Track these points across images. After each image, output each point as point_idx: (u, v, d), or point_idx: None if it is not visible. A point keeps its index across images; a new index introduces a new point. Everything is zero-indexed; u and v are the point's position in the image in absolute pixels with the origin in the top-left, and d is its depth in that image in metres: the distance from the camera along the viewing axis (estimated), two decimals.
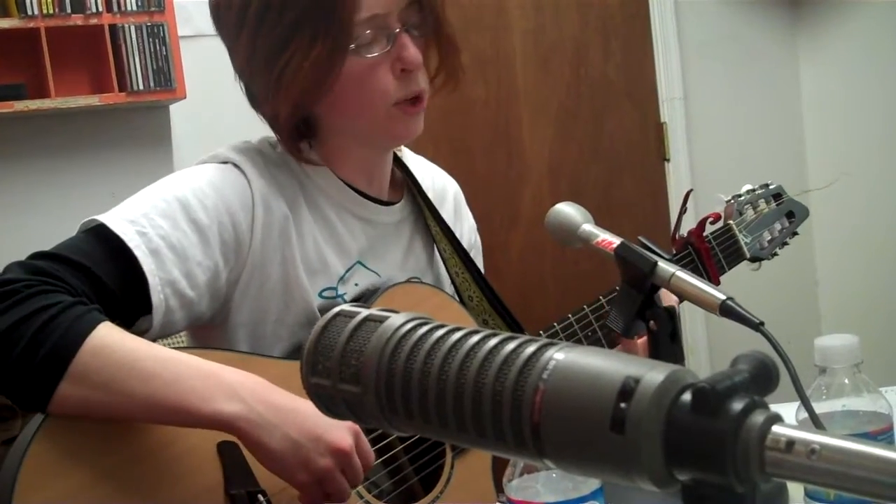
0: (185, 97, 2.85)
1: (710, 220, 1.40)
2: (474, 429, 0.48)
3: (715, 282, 1.36)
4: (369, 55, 1.13)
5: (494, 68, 3.33)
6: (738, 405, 0.43)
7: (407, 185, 1.34)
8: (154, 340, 1.07)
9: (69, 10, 2.68)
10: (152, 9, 2.78)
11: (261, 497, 1.02)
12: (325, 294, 1.20)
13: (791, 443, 0.41)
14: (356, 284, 1.23)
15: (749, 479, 0.42)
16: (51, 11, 2.65)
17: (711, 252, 1.37)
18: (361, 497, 1.12)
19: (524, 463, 0.85)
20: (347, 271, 1.22)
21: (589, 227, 1.02)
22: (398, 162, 1.34)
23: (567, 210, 1.05)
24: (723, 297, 0.90)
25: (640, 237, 0.99)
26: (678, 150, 3.55)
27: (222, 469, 1.02)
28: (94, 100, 2.74)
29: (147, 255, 1.06)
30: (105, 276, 1.04)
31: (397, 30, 1.14)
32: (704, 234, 1.38)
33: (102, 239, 1.06)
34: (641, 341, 1.18)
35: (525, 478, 0.85)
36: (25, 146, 2.86)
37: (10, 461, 0.95)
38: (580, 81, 3.44)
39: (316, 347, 0.54)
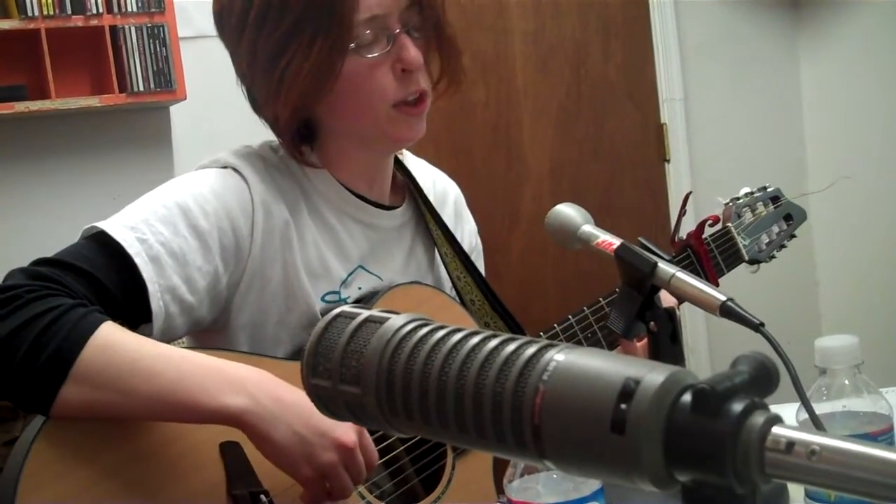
0: (185, 98, 2.85)
1: (709, 222, 1.41)
2: (475, 430, 0.48)
3: (713, 284, 1.37)
4: (369, 55, 1.14)
5: (495, 69, 3.33)
6: (738, 406, 0.43)
7: (408, 188, 1.34)
8: None
9: (69, 11, 2.68)
10: (153, 10, 2.78)
11: (263, 497, 1.02)
12: (327, 298, 1.20)
13: (791, 444, 0.41)
14: (359, 288, 1.24)
15: (749, 480, 0.42)
16: (51, 12, 2.65)
17: (710, 254, 1.37)
18: (363, 498, 1.13)
19: (525, 464, 0.85)
20: (349, 275, 1.23)
21: (589, 228, 1.02)
22: (399, 165, 1.35)
23: (567, 211, 1.05)
24: (723, 298, 0.90)
25: (640, 238, 0.99)
26: (678, 151, 3.55)
27: (224, 469, 1.03)
28: (94, 101, 2.74)
29: (147, 262, 1.06)
30: (107, 281, 1.05)
31: (397, 31, 1.14)
32: (703, 236, 1.38)
33: (103, 245, 1.07)
34: (641, 343, 1.18)
35: (526, 478, 0.85)
36: (26, 147, 2.86)
37: (12, 462, 0.95)
38: (580, 82, 3.44)
39: (316, 349, 0.54)
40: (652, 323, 0.92)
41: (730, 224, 1.41)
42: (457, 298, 1.32)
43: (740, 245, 1.41)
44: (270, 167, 1.20)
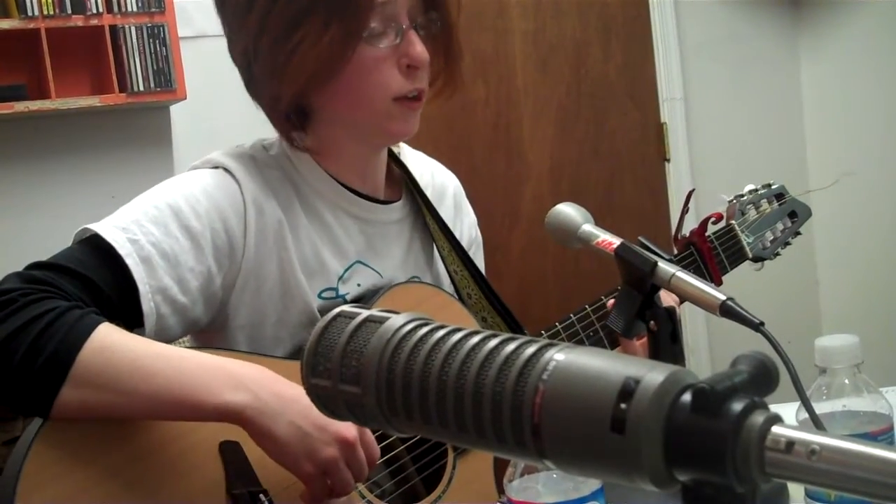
0: (185, 98, 2.85)
1: (713, 220, 1.40)
2: (474, 429, 0.48)
3: (717, 282, 1.36)
4: (380, 45, 1.14)
5: (495, 69, 3.33)
6: (738, 406, 0.43)
7: (405, 183, 1.34)
8: None
9: (69, 11, 2.68)
10: (153, 9, 2.78)
11: (262, 497, 1.02)
12: (324, 295, 1.20)
13: (791, 443, 0.41)
14: (358, 284, 1.23)
15: (749, 479, 0.42)
16: (51, 12, 2.65)
17: (714, 252, 1.37)
18: (364, 497, 1.12)
19: (525, 463, 0.85)
20: (346, 271, 1.23)
21: (589, 228, 1.02)
22: (396, 160, 1.34)
23: (567, 210, 1.05)
24: (723, 297, 0.90)
25: (640, 237, 0.99)
26: (678, 151, 3.55)
27: (224, 469, 1.03)
28: (94, 101, 2.74)
29: (138, 262, 1.06)
30: (101, 283, 1.05)
31: (405, 25, 1.15)
32: (707, 234, 1.38)
33: (96, 247, 1.07)
34: (641, 342, 1.18)
35: (526, 478, 0.85)
36: (25, 147, 2.86)
37: (12, 462, 0.95)
38: (580, 82, 3.44)
39: (316, 348, 0.54)
40: (652, 322, 0.92)
41: (733, 221, 1.41)
42: (456, 296, 1.32)
43: (744, 242, 1.41)
44: (262, 166, 1.19)
